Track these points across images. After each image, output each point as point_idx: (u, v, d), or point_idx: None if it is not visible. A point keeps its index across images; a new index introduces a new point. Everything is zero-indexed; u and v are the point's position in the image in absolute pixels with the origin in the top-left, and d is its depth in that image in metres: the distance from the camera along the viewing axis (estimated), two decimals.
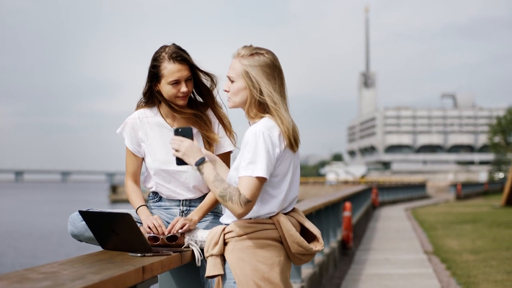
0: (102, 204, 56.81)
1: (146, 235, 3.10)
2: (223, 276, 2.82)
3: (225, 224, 2.87)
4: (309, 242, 2.91)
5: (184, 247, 3.10)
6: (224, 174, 3.01)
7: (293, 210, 2.93)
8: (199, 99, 3.47)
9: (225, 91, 2.89)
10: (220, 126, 3.43)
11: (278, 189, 2.81)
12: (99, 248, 3.05)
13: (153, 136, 3.42)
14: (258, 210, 2.79)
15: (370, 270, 10.15)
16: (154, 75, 3.32)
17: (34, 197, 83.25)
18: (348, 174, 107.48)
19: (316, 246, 2.89)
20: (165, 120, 3.42)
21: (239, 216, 2.70)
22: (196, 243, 3.12)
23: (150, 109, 3.45)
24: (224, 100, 3.42)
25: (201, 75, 3.39)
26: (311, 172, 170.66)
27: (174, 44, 3.34)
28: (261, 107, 2.84)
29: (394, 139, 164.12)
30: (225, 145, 3.41)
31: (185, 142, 2.84)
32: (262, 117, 2.83)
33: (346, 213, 12.40)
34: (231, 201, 2.67)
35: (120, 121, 3.47)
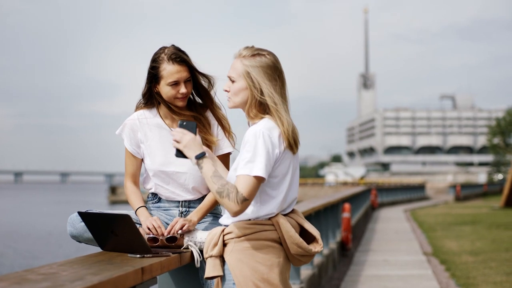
0: (101, 205, 56.81)
1: (146, 236, 3.10)
2: (222, 277, 2.82)
3: (225, 225, 2.87)
4: (308, 243, 2.91)
5: (183, 248, 3.10)
6: (223, 174, 3.01)
7: (293, 211, 2.93)
8: (198, 100, 3.47)
9: (226, 91, 2.89)
10: (219, 127, 3.43)
11: (277, 190, 2.81)
12: (98, 249, 3.05)
13: (152, 137, 3.42)
14: (258, 211, 2.79)
15: (369, 271, 10.16)
16: (154, 76, 3.33)
17: (33, 198, 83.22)
18: (347, 175, 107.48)
19: (315, 247, 2.89)
20: (164, 122, 3.42)
21: (235, 214, 2.70)
22: (195, 244, 3.12)
23: (149, 110, 3.45)
24: (223, 101, 3.43)
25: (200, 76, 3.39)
26: (310, 173, 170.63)
27: (173, 45, 3.34)
28: (261, 108, 2.84)
29: (393, 140, 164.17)
30: (224, 146, 3.41)
31: (187, 135, 2.84)
32: (262, 117, 2.83)
33: (345, 214, 12.41)
34: (228, 198, 2.67)
35: (119, 122, 3.48)
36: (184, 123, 2.88)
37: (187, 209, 3.42)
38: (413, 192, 46.54)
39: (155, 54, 3.34)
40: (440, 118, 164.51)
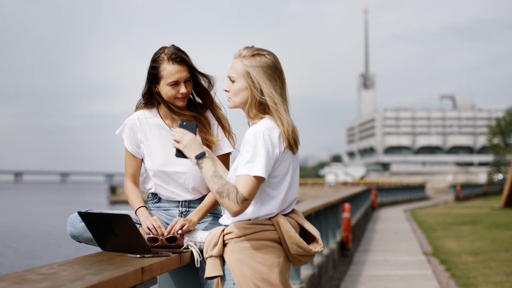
0: (101, 205, 56.82)
1: (146, 236, 3.10)
2: (222, 277, 2.82)
3: (225, 225, 2.87)
4: (308, 243, 2.91)
5: (183, 248, 3.10)
6: (223, 174, 3.01)
7: (293, 211, 2.93)
8: (198, 100, 3.47)
9: (226, 91, 2.89)
10: (219, 127, 3.43)
11: (277, 190, 2.81)
12: (98, 249, 3.05)
13: (152, 137, 3.42)
14: (258, 211, 2.79)
15: (369, 271, 10.16)
16: (154, 76, 3.33)
17: (33, 198, 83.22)
18: (347, 175, 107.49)
19: (315, 247, 2.89)
20: (164, 122, 3.42)
21: (234, 214, 2.70)
22: (195, 244, 3.12)
23: (149, 110, 3.45)
24: (223, 101, 3.43)
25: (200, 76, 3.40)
26: (310, 173, 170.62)
27: (173, 45, 3.35)
28: (261, 108, 2.84)
29: (393, 140, 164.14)
30: (224, 146, 3.41)
31: (187, 135, 2.83)
32: (262, 117, 2.83)
33: (345, 214, 12.41)
34: (228, 198, 2.67)
35: (119, 122, 3.48)
36: (184, 123, 2.88)
37: (187, 209, 3.42)
38: (413, 192, 46.54)
39: (155, 54, 3.34)
40: (440, 118, 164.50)
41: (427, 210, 30.23)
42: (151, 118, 3.43)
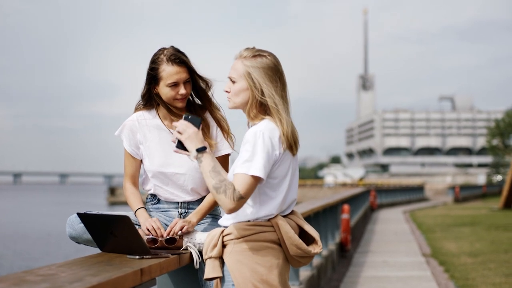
0: (100, 206, 56.78)
1: (145, 237, 3.10)
2: (221, 279, 2.82)
3: (224, 227, 2.87)
4: (307, 244, 2.91)
5: (183, 250, 3.10)
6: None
7: (292, 212, 2.93)
8: (198, 101, 3.47)
9: (226, 91, 2.89)
10: (218, 129, 3.43)
11: (276, 191, 2.81)
12: (97, 250, 3.05)
13: (152, 138, 3.42)
14: (257, 212, 2.79)
15: (369, 272, 10.15)
16: (153, 77, 3.33)
17: (32, 199, 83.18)
18: (346, 176, 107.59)
19: (314, 249, 2.89)
20: (163, 123, 3.42)
21: (229, 211, 2.69)
22: (194, 245, 3.12)
23: (148, 111, 3.45)
24: (221, 103, 3.43)
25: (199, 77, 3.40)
26: (309, 175, 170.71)
27: (172, 47, 3.35)
28: (262, 108, 2.84)
29: (392, 142, 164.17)
30: (223, 148, 3.41)
31: (191, 128, 2.82)
32: (262, 118, 2.83)
33: (344, 216, 12.40)
34: (225, 194, 2.66)
35: (119, 123, 3.47)
36: (189, 117, 2.87)
37: (186, 210, 3.42)
38: (412, 194, 46.55)
39: (154, 55, 3.34)
40: (439, 120, 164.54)
41: (426, 211, 30.24)
42: (150, 119, 3.43)
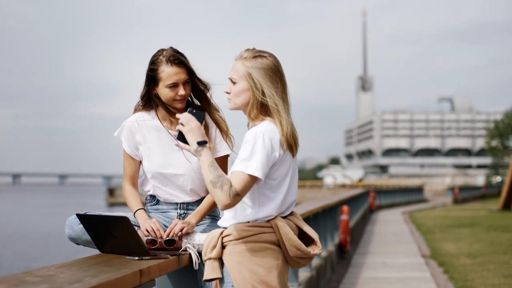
0: (99, 207, 56.76)
1: (144, 238, 3.10)
2: (221, 280, 2.82)
3: (223, 228, 2.87)
4: (307, 245, 2.91)
5: (182, 251, 3.10)
6: None
7: (291, 213, 2.93)
8: (197, 102, 3.47)
9: (227, 92, 2.89)
10: (217, 130, 3.43)
11: (276, 192, 2.81)
12: (96, 251, 3.05)
13: (151, 139, 3.42)
14: (256, 213, 2.79)
15: (368, 273, 10.15)
16: (152, 78, 3.33)
17: (32, 200, 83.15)
18: (345, 177, 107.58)
19: (314, 250, 2.89)
20: (162, 124, 3.42)
21: (224, 208, 2.68)
22: (193, 246, 3.11)
23: (147, 112, 3.45)
24: (220, 104, 3.43)
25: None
26: (309, 176, 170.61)
27: (171, 48, 3.35)
28: (262, 109, 2.84)
29: (391, 143, 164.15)
30: (222, 149, 3.41)
31: (194, 121, 2.82)
32: (263, 119, 2.83)
33: (344, 217, 12.40)
34: (221, 189, 2.65)
35: (118, 124, 3.47)
36: (194, 111, 2.88)
37: (185, 211, 3.42)
38: (411, 195, 46.56)
39: (154, 56, 3.34)
40: (439, 121, 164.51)
41: (425, 213, 30.24)
42: (150, 120, 3.43)
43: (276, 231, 2.80)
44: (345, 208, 12.75)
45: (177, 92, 3.29)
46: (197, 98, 3.45)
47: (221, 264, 2.83)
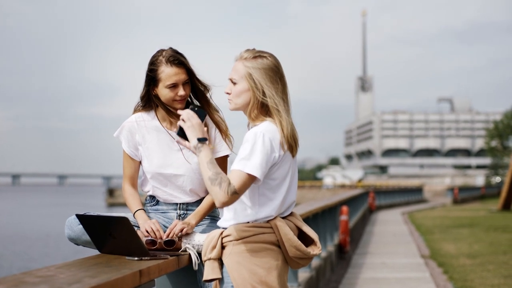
0: (99, 208, 56.75)
1: (144, 239, 3.10)
2: (220, 280, 2.82)
3: (223, 228, 2.87)
4: (306, 246, 2.91)
5: (182, 251, 3.10)
6: None
7: (291, 214, 2.93)
8: (196, 103, 3.47)
9: (227, 93, 2.89)
10: (217, 130, 3.43)
11: (276, 192, 2.81)
12: (96, 252, 3.05)
13: (150, 139, 3.42)
14: (256, 214, 2.79)
15: (367, 274, 10.15)
16: (152, 79, 3.33)
17: (31, 200, 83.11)
18: (345, 178, 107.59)
19: (313, 250, 2.89)
20: (162, 124, 3.42)
21: (221, 205, 2.68)
22: (193, 247, 3.11)
23: (147, 113, 3.45)
24: (220, 104, 3.43)
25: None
26: (308, 176, 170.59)
27: (171, 48, 3.35)
28: (263, 109, 2.84)
29: (391, 143, 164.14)
30: (222, 149, 3.41)
31: (195, 118, 2.83)
32: (263, 119, 2.83)
33: (343, 217, 12.41)
34: (220, 186, 2.65)
35: (118, 125, 3.47)
36: (196, 108, 2.88)
37: (185, 212, 3.42)
38: (410, 195, 46.57)
39: (153, 57, 3.34)
40: (438, 121, 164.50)
41: (424, 213, 30.25)
42: (149, 120, 3.43)
43: (275, 231, 2.80)
44: (344, 208, 12.75)
45: (177, 93, 3.29)
46: (197, 99, 3.45)
47: (221, 264, 2.83)
